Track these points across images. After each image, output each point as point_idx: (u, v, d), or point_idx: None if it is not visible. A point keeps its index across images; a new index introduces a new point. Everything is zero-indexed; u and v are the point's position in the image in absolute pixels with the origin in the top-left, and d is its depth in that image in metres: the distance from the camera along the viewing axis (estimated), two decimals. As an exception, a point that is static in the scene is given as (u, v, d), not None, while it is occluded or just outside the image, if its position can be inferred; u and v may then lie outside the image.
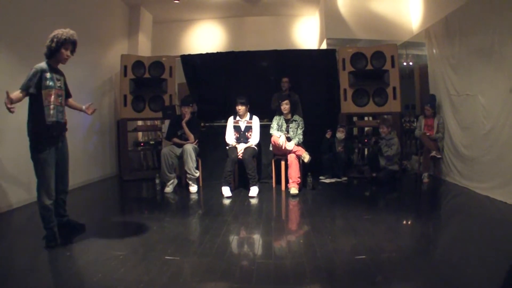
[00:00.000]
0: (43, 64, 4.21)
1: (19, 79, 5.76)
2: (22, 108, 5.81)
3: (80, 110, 4.84)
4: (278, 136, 7.09)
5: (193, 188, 7.16)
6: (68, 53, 4.32)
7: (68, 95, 4.65)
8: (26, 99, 4.19)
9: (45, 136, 4.21)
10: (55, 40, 4.19)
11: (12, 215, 5.64)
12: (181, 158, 7.19)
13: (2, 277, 3.38)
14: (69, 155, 4.62)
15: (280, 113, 7.42)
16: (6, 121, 5.69)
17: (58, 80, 4.32)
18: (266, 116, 8.07)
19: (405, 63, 11.60)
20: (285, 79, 8.72)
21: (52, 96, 4.21)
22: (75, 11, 7.58)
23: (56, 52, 4.23)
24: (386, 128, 7.73)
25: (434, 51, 8.34)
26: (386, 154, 7.61)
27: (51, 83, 4.20)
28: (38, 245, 4.19)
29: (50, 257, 3.94)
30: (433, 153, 7.68)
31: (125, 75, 8.81)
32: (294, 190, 6.70)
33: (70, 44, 4.31)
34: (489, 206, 5.69)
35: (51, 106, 4.21)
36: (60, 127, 4.38)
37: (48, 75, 4.19)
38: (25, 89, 4.09)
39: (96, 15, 8.61)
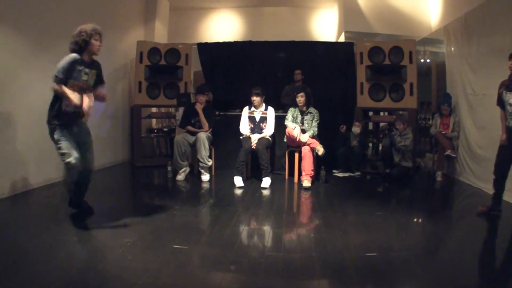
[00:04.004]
0: (77, 55, 4.27)
1: (31, 61, 5.86)
2: (32, 92, 5.89)
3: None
4: (293, 128, 7.03)
5: (205, 177, 7.15)
6: (99, 43, 4.42)
7: (98, 83, 4.72)
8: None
9: (58, 120, 4.31)
10: (83, 34, 4.28)
11: (19, 198, 5.64)
12: (194, 146, 7.18)
13: (7, 262, 3.38)
14: (90, 138, 4.69)
15: (295, 104, 7.37)
16: (16, 105, 5.72)
17: (86, 74, 4.39)
18: (281, 107, 8.04)
19: (422, 60, 11.48)
20: (297, 71, 8.66)
21: (74, 88, 4.26)
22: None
23: (87, 45, 4.32)
24: (402, 124, 7.64)
25: (452, 49, 8.22)
26: (400, 145, 7.51)
27: (77, 76, 4.28)
28: (45, 230, 4.22)
29: (57, 242, 3.92)
30: (448, 152, 7.58)
31: (141, 61, 8.79)
32: (306, 183, 6.66)
33: (98, 34, 4.40)
34: (502, 208, 5.62)
35: (66, 102, 4.27)
36: (74, 116, 4.43)
37: (78, 67, 4.28)
38: (63, 80, 4.17)
39: (112, 0, 8.59)
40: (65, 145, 4.30)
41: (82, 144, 4.54)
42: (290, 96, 8.35)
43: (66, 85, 4.17)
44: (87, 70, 4.38)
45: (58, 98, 4.28)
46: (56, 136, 4.30)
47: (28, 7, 5.87)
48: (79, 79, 4.31)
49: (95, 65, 4.56)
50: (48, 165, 6.31)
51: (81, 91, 4.34)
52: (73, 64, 4.20)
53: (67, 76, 4.17)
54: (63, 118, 4.32)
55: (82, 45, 4.28)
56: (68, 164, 4.29)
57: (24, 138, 5.87)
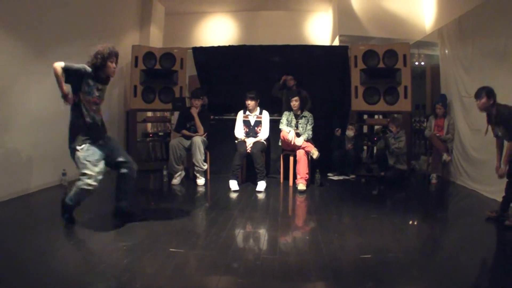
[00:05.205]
0: (90, 70, 4.29)
1: (30, 66, 5.88)
2: (31, 97, 5.91)
3: None
4: (287, 132, 7.05)
5: (201, 181, 7.16)
6: (114, 65, 4.44)
7: None
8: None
9: (82, 133, 4.34)
10: (99, 56, 4.28)
11: (17, 202, 5.63)
12: (189, 150, 7.18)
13: (4, 265, 3.40)
14: (117, 144, 4.83)
15: (289, 108, 7.39)
16: (15, 109, 5.72)
17: (99, 90, 4.43)
18: (276, 111, 8.06)
19: (416, 63, 11.53)
20: (289, 77, 8.62)
21: (90, 104, 4.35)
22: (87, 1, 7.57)
23: (103, 67, 4.34)
24: (396, 127, 7.67)
25: (447, 51, 8.26)
26: (394, 147, 7.54)
27: (88, 90, 4.30)
28: (42, 234, 4.23)
29: (54, 246, 3.94)
30: (444, 157, 7.58)
31: (136, 65, 8.79)
32: (301, 186, 6.68)
33: (114, 56, 4.42)
34: (496, 209, 5.64)
35: (86, 113, 4.34)
36: (97, 128, 4.48)
37: (90, 82, 4.30)
38: (66, 69, 4.14)
39: (108, 5, 8.59)
40: (88, 159, 4.34)
41: (112, 152, 4.63)
42: (281, 91, 8.41)
43: (78, 96, 4.26)
44: (100, 86, 4.42)
45: (78, 110, 4.30)
46: (77, 145, 4.29)
47: (27, 12, 5.89)
48: (92, 95, 4.34)
49: (108, 81, 4.58)
50: (45, 169, 6.33)
51: (94, 105, 4.40)
52: (83, 73, 4.22)
53: (70, 72, 4.16)
54: (88, 129, 4.36)
55: (98, 67, 4.31)
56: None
57: (22, 142, 5.88)
